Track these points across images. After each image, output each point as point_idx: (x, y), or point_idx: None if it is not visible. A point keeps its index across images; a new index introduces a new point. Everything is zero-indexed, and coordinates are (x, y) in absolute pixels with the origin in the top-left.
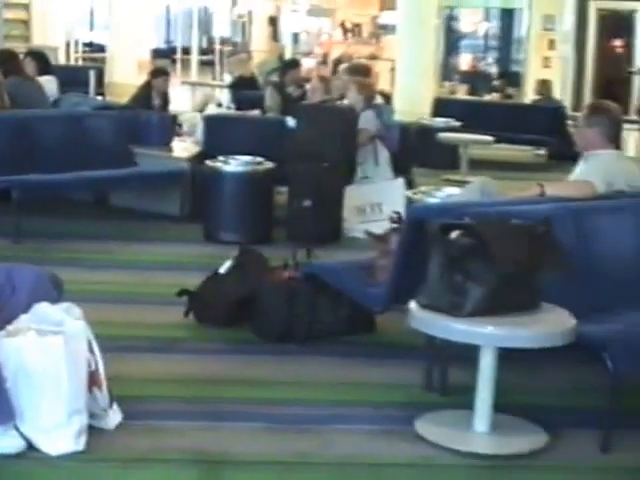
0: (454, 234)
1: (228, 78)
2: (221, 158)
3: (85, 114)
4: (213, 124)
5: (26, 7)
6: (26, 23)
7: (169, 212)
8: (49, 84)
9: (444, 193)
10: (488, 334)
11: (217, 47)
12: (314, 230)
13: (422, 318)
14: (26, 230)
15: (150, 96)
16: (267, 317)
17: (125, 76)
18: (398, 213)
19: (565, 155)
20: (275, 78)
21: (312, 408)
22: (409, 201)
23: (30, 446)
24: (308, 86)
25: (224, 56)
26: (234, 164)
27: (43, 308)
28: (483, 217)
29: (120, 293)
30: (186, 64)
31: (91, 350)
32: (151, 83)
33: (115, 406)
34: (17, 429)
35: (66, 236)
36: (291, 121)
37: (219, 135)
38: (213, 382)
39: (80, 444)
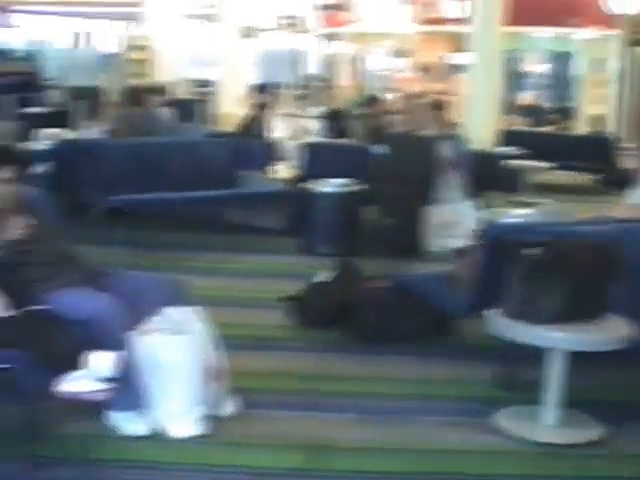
0: (532, 250)
1: (319, 110)
2: (316, 180)
3: (198, 141)
4: (308, 150)
5: (145, 49)
6: (144, 62)
7: (270, 227)
8: (167, 115)
9: (515, 213)
10: (562, 338)
11: (308, 83)
12: (398, 245)
13: (503, 324)
14: (152, 242)
15: (253, 125)
16: (362, 320)
17: (228, 108)
18: (479, 231)
19: (612, 180)
20: (360, 110)
21: (399, 401)
22: (484, 221)
23: (156, 430)
24: (390, 118)
25: (315, 91)
26: (327, 185)
27: (170, 310)
28: (558, 235)
29: (230, 297)
30: (281, 97)
31: (211, 347)
32: (254, 114)
33: (231, 397)
34: (144, 415)
35: (184, 247)
36: (376, 148)
37: (313, 160)
38: (314, 377)
39: (201, 429)
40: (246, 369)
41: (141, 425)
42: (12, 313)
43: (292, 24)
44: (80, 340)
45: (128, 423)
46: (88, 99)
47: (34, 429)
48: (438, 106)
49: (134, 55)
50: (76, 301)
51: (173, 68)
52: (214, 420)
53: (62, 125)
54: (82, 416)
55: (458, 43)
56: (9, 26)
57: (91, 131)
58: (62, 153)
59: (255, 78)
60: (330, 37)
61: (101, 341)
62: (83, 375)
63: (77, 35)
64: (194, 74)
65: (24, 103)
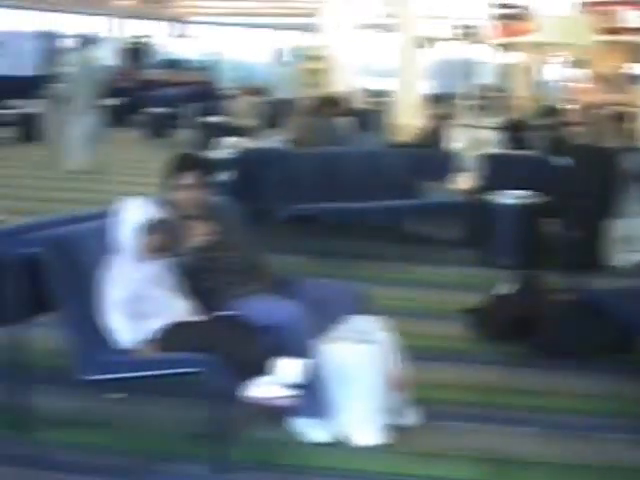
0: None
1: (495, 121)
2: (496, 192)
3: (378, 151)
4: (488, 161)
5: (320, 59)
6: (319, 72)
7: (449, 238)
8: (347, 125)
9: None
10: None
11: (483, 93)
12: (579, 258)
13: None
14: (331, 250)
15: (432, 136)
16: (546, 334)
17: (404, 118)
18: None
19: None
20: (539, 122)
21: (583, 416)
22: None
23: (339, 438)
24: (570, 129)
25: (490, 101)
26: (508, 197)
27: (355, 320)
28: None
29: (409, 308)
30: (457, 108)
31: (394, 357)
32: (433, 125)
33: (413, 407)
34: (328, 422)
35: (365, 256)
36: (557, 160)
37: (493, 171)
38: (495, 389)
39: (384, 438)
40: (427, 380)
41: (325, 432)
42: (202, 318)
43: (468, 34)
44: (268, 346)
45: (312, 430)
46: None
47: (222, 432)
48: (619, 118)
49: (311, 65)
50: (264, 308)
51: (348, 78)
52: (396, 430)
53: (239, 134)
54: (268, 421)
55: (637, 53)
56: (186, 37)
57: (272, 140)
58: (244, 161)
59: (430, 88)
60: (506, 47)
61: (288, 348)
62: (270, 381)
63: (271, 48)
64: (369, 84)
65: (204, 112)
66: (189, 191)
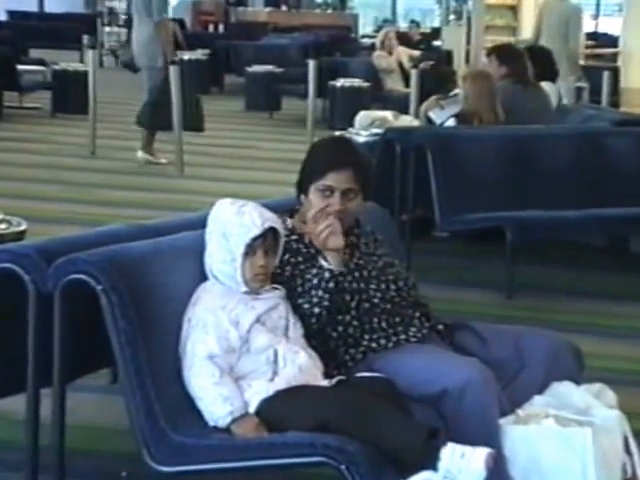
0: None
1: None
2: None
3: (600, 132)
4: None
5: None
6: (514, 10)
7: None
8: (549, 92)
9: None
10: None
11: None
12: None
13: None
14: (521, 282)
15: None
16: None
17: None
18: None
19: None
20: None
21: None
22: None
23: None
24: None
25: None
26: None
27: (564, 388)
28: None
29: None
30: None
31: (627, 449)
32: None
33: None
34: None
35: (573, 292)
36: None
37: None
38: None
39: None
40: None
41: None
42: (331, 381)
43: None
44: (431, 426)
45: None
46: None
47: None
48: None
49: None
50: (427, 368)
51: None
52: None
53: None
54: None
55: None
56: None
57: (437, 114)
58: (391, 147)
59: None
60: None
61: (463, 429)
62: (432, 476)
63: None
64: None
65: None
66: (340, 199)
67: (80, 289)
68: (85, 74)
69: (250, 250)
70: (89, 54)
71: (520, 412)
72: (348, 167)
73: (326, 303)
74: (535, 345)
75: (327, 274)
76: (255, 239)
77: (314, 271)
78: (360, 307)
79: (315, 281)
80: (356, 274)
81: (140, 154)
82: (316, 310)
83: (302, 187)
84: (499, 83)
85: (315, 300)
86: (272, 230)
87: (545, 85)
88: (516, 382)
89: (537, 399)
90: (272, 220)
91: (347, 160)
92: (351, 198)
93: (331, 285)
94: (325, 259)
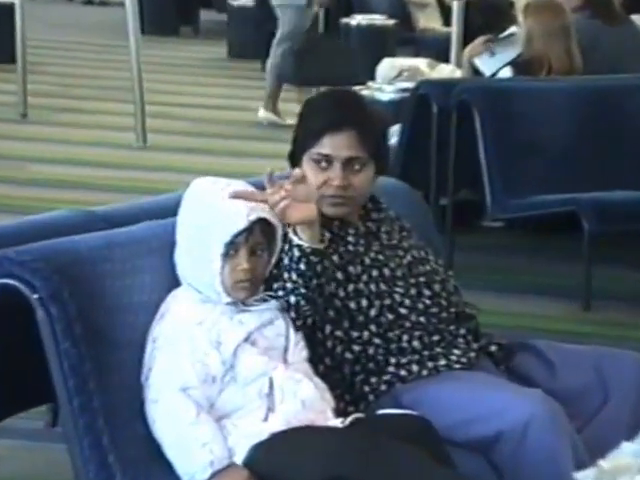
0: None
1: None
2: None
3: None
4: None
5: None
6: None
7: None
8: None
9: None
10: None
11: None
12: None
13: None
14: (601, 288)
15: None
16: None
17: None
18: None
19: None
20: None
21: None
22: None
23: None
24: None
25: None
26: None
27: None
28: None
29: None
30: None
31: None
32: None
33: None
34: None
35: None
36: None
37: None
38: None
39: None
40: None
41: None
42: (344, 420)
43: None
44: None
45: None
46: None
47: None
48: None
49: None
50: (472, 402)
51: None
52: None
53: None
54: None
55: None
56: None
57: (488, 62)
58: (423, 106)
59: None
60: None
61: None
62: None
63: None
64: None
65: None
66: (341, 171)
67: (8, 298)
68: (11, 7)
69: (232, 249)
70: None
71: (603, 464)
72: (348, 127)
73: (302, 290)
74: (621, 372)
75: (296, 251)
76: (237, 235)
77: (286, 247)
78: (382, 318)
79: (286, 261)
80: (374, 273)
81: (262, 113)
82: (292, 299)
83: (294, 159)
84: (573, 17)
85: (289, 286)
86: (262, 222)
87: (637, 18)
88: (596, 422)
89: (626, 446)
90: (262, 209)
91: (347, 118)
92: (356, 170)
93: (302, 266)
94: (295, 232)
